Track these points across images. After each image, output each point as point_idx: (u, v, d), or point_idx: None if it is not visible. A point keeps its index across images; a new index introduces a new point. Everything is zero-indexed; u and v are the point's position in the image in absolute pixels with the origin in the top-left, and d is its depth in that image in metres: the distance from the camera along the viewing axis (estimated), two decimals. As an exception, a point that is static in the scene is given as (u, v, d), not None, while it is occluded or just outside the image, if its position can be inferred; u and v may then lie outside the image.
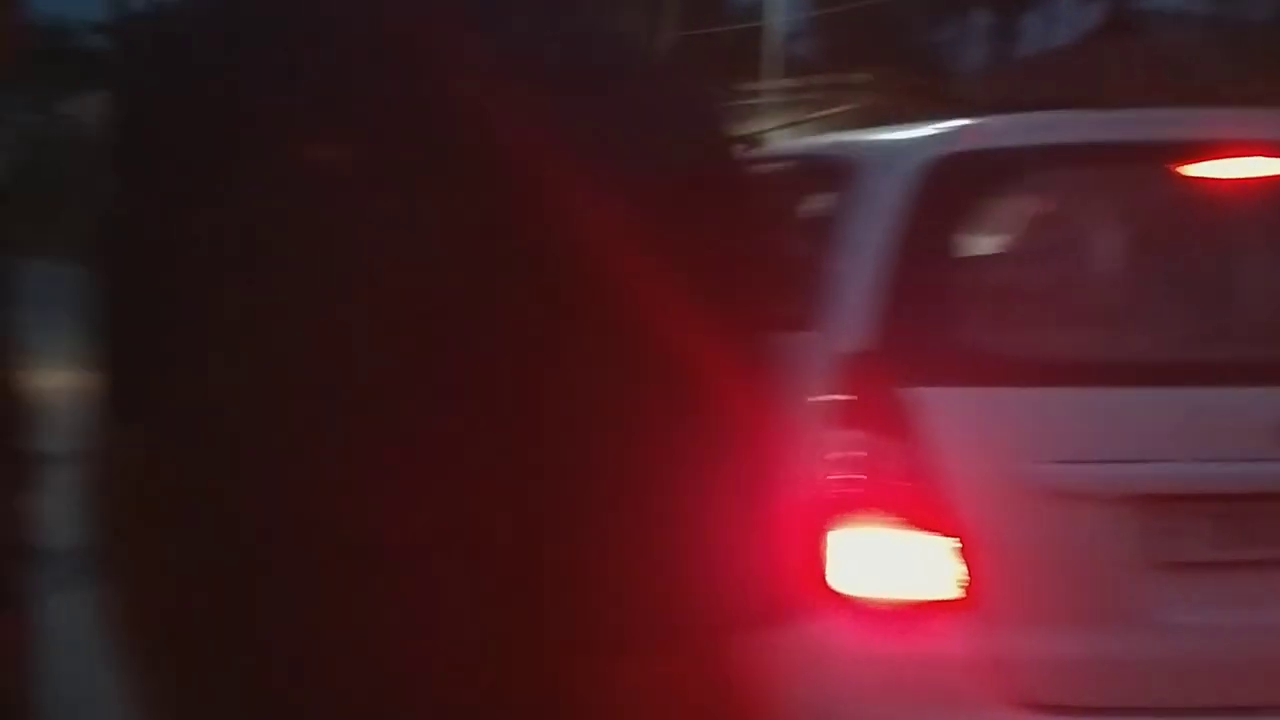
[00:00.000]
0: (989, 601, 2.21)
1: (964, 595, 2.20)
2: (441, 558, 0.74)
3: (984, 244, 2.54)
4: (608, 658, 0.70)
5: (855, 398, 2.22)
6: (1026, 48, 21.28)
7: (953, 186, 2.35)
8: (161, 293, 0.81)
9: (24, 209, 1.92)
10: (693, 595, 0.69)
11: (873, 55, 19.45)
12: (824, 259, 2.41)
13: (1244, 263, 2.67)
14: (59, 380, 2.19)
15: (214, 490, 0.82)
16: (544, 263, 0.70)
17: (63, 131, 19.01)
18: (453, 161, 0.72)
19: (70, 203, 10.47)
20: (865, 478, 2.19)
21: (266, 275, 0.77)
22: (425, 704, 0.75)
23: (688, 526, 0.70)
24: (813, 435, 2.19)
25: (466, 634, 0.74)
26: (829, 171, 2.68)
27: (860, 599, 2.20)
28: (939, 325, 2.29)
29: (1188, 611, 2.26)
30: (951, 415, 2.22)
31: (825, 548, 2.17)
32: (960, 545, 2.19)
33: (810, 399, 2.23)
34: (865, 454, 2.20)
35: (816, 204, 2.72)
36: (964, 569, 2.19)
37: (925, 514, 2.19)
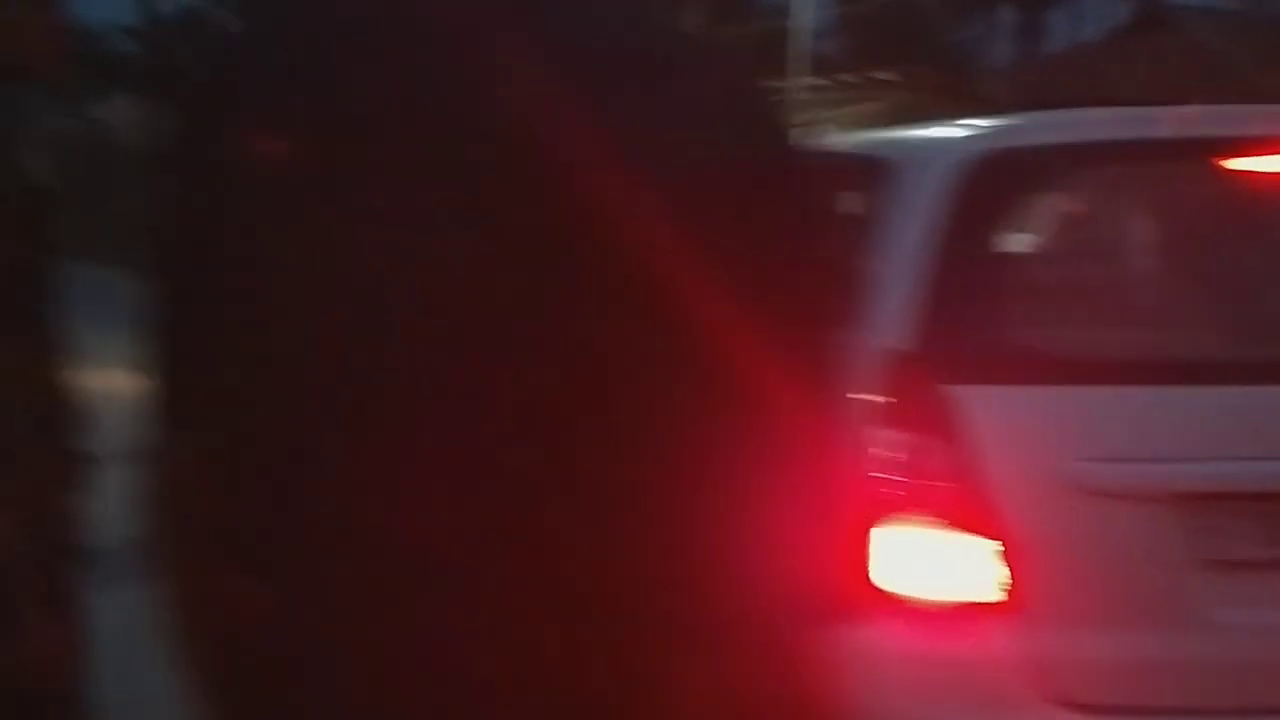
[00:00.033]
0: (1031, 601, 2.20)
1: (1006, 595, 2.19)
2: (505, 560, 0.74)
3: (1024, 242, 2.53)
4: (671, 655, 0.70)
5: (896, 397, 2.21)
6: (1053, 45, 21.17)
7: (993, 184, 2.34)
8: (219, 300, 0.81)
9: (69, 212, 1.94)
10: (754, 594, 0.70)
11: (899, 53, 19.38)
12: (861, 258, 2.40)
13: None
14: (101, 381, 2.21)
15: (276, 495, 0.82)
16: (604, 260, 0.70)
17: (93, 135, 19.11)
18: (512, 162, 0.72)
19: (103, 207, 10.54)
20: (906, 477, 2.19)
21: (328, 282, 0.77)
22: (489, 704, 0.75)
23: (748, 526, 0.71)
24: (854, 435, 2.19)
25: (532, 635, 0.74)
26: (864, 170, 2.67)
27: (902, 598, 2.19)
28: (980, 324, 2.28)
29: (1231, 611, 2.25)
30: (993, 414, 2.21)
31: (868, 547, 2.17)
32: (1002, 545, 2.18)
33: (851, 398, 2.22)
34: (906, 453, 2.19)
35: (851, 203, 2.71)
36: (1006, 569, 2.18)
37: (967, 514, 2.18)
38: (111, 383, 2.13)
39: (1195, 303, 2.59)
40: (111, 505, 2.13)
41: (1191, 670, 2.24)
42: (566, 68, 0.72)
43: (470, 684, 0.76)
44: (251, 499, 0.84)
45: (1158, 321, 2.58)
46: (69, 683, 1.87)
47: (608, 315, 0.71)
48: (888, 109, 15.54)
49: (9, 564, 1.70)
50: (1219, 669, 2.24)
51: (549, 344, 0.72)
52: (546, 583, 0.74)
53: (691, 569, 0.70)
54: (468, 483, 0.75)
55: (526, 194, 0.72)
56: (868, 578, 2.17)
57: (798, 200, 0.75)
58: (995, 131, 2.51)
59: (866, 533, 2.17)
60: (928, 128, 2.86)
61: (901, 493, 2.18)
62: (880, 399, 2.22)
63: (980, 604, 2.21)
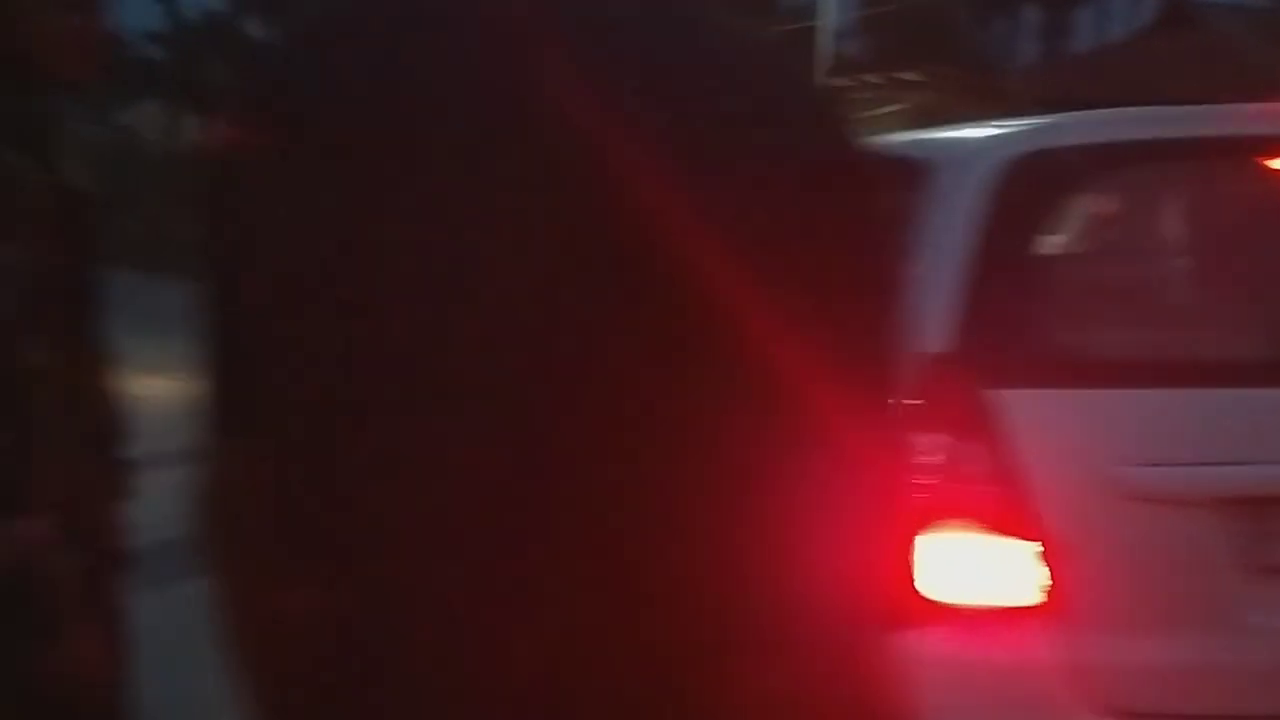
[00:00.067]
0: (1074, 606, 2.18)
1: (1048, 600, 2.17)
2: (572, 561, 0.73)
3: (1064, 243, 2.51)
4: (741, 661, 0.69)
5: (936, 401, 2.20)
6: (1079, 44, 21.07)
7: (1032, 185, 2.33)
8: (269, 305, 0.81)
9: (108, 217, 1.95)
10: (825, 599, 0.69)
11: (923, 53, 19.32)
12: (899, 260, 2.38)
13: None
14: (138, 385, 2.22)
15: (329, 498, 0.81)
16: (672, 260, 0.69)
17: (121, 142, 19.27)
18: (582, 165, 0.71)
19: (131, 212, 10.63)
20: (946, 482, 2.17)
21: (382, 287, 0.76)
22: (555, 708, 0.75)
23: (819, 528, 0.70)
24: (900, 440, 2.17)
25: (592, 635, 0.74)
26: (898, 171, 2.65)
27: (943, 604, 2.18)
28: (1021, 326, 2.26)
29: (1275, 617, 2.22)
30: (1034, 417, 2.19)
31: (910, 552, 2.16)
32: (1044, 550, 2.16)
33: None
34: (946, 457, 2.18)
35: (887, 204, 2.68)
36: (1048, 574, 2.16)
37: (1007, 518, 2.16)
38: (148, 387, 2.14)
39: (1237, 304, 2.56)
40: (151, 509, 2.14)
41: (1237, 676, 2.22)
42: (643, 70, 0.71)
43: (530, 688, 0.75)
44: (304, 502, 0.84)
45: (1199, 323, 2.56)
46: (111, 690, 1.87)
47: (674, 314, 0.70)
48: (913, 110, 15.50)
49: (52, 571, 1.70)
50: (1261, 675, 2.22)
51: (611, 343, 0.71)
52: (608, 583, 0.73)
53: (771, 574, 0.68)
54: (528, 486, 0.74)
55: (596, 195, 0.71)
56: (910, 583, 2.16)
57: (869, 199, 0.73)
58: (1033, 131, 2.49)
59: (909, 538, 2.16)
60: (962, 128, 2.85)
61: (941, 497, 2.16)
62: (919, 402, 2.20)
63: (1020, 609, 2.19)
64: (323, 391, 0.78)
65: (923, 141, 2.96)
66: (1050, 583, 2.17)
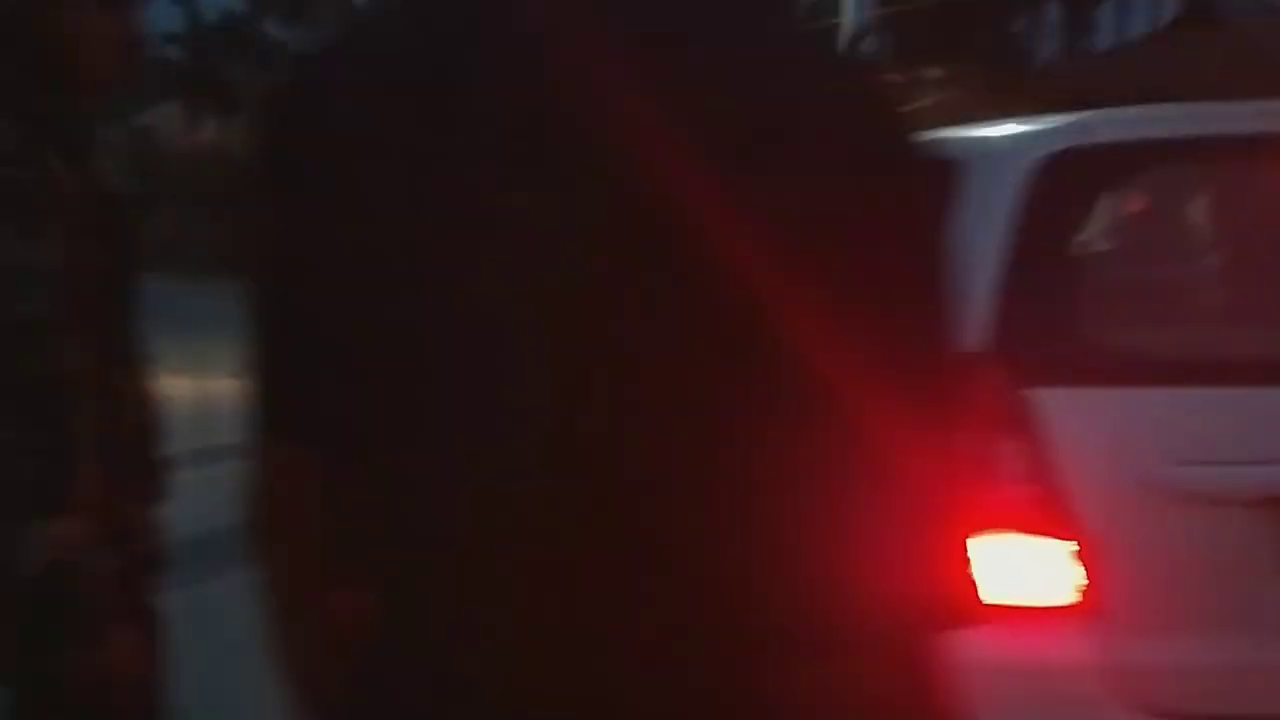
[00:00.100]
0: (1111, 606, 2.16)
1: (1087, 601, 2.15)
2: (643, 561, 0.72)
3: (1100, 241, 2.49)
4: (811, 659, 0.68)
5: (974, 400, 2.18)
6: (1101, 40, 20.95)
7: (1068, 182, 2.30)
8: (319, 311, 0.80)
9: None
10: (892, 598, 0.68)
11: (945, 51, 19.24)
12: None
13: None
14: (169, 386, 2.21)
15: (381, 505, 0.80)
16: (721, 260, 0.68)
17: (141, 142, 19.32)
18: (618, 167, 0.70)
19: (149, 214, 10.68)
20: (985, 481, 2.15)
21: (437, 294, 0.75)
22: (624, 707, 0.74)
23: (887, 529, 0.69)
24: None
25: (653, 637, 0.73)
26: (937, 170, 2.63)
27: (983, 604, 2.16)
28: (1059, 324, 2.24)
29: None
30: (1074, 417, 2.17)
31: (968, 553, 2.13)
32: (1084, 550, 2.14)
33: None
34: (984, 457, 2.16)
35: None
36: (1087, 574, 2.14)
37: (1046, 518, 2.14)
38: (178, 388, 2.14)
39: (1274, 301, 2.53)
40: (182, 508, 2.14)
41: (1272, 676, 2.20)
42: (698, 69, 0.70)
43: (589, 693, 0.74)
44: (355, 509, 0.83)
45: (1236, 320, 2.53)
46: (147, 690, 1.87)
47: (729, 313, 0.69)
48: (934, 107, 15.44)
49: (89, 572, 1.70)
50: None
51: (681, 342, 0.69)
52: (670, 586, 0.72)
53: (843, 573, 0.67)
54: (585, 490, 0.73)
55: (645, 199, 0.70)
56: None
57: (933, 194, 0.72)
58: (1068, 128, 2.47)
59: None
60: (992, 126, 2.82)
61: (979, 496, 2.14)
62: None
63: (1056, 609, 2.17)
64: (375, 402, 0.78)
65: (953, 139, 2.94)
66: (1087, 582, 2.15)
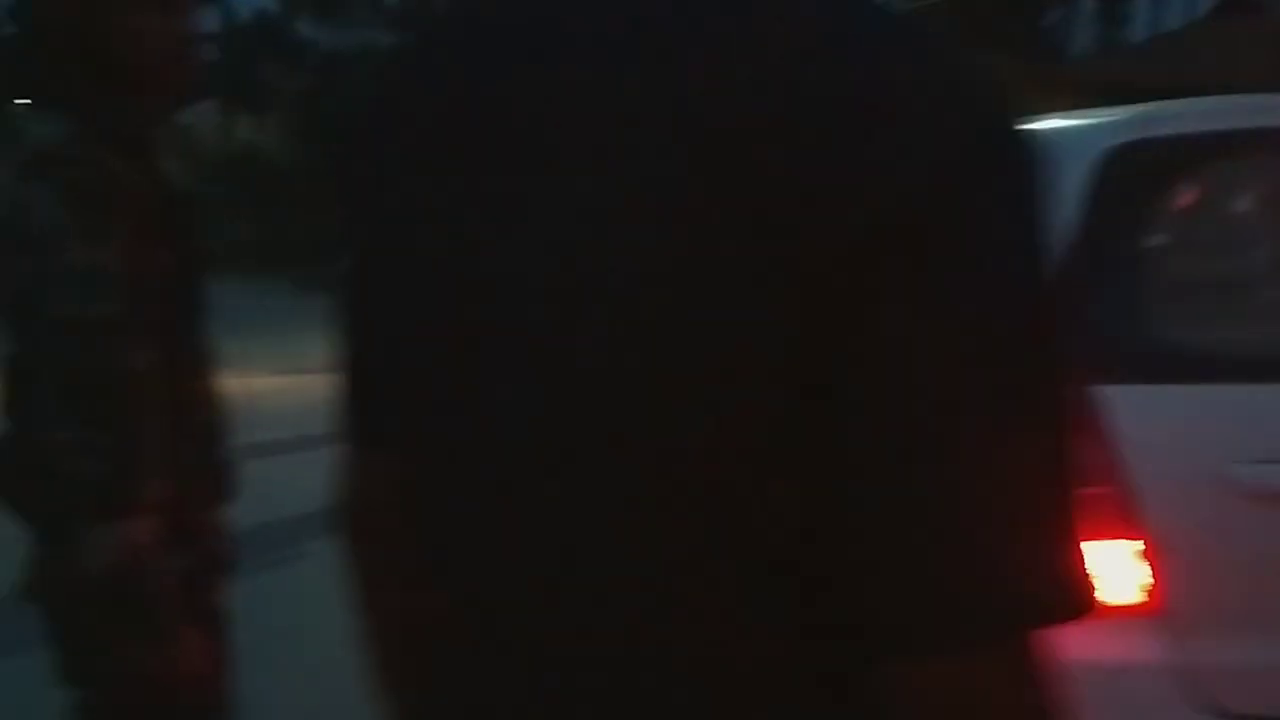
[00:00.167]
0: (1179, 606, 2.13)
1: (1153, 601, 2.12)
2: (738, 556, 0.70)
3: (1170, 235, 2.45)
4: (914, 656, 0.67)
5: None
6: (1136, 32, 20.80)
7: (1135, 176, 2.27)
8: (405, 321, 0.79)
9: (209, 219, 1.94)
10: (1002, 594, 0.66)
11: (978, 43, 19.15)
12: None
13: None
14: (231, 385, 2.21)
15: (459, 511, 0.80)
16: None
17: (186, 142, 19.45)
18: (684, 168, 0.68)
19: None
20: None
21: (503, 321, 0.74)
22: (711, 703, 0.72)
23: (1002, 524, 0.67)
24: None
25: (767, 632, 0.71)
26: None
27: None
28: (1126, 321, 2.21)
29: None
30: (1142, 414, 2.14)
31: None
32: (1151, 549, 2.11)
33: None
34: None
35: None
36: (1154, 573, 2.11)
37: (1116, 517, 2.11)
38: (237, 387, 2.13)
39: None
40: (245, 506, 2.14)
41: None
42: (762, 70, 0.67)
43: (672, 694, 0.72)
44: (426, 517, 0.83)
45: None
46: (212, 690, 1.87)
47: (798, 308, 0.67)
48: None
49: (156, 572, 1.70)
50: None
51: (786, 339, 0.67)
52: (789, 579, 0.70)
53: (952, 567, 0.66)
54: (656, 496, 0.71)
55: (715, 201, 0.67)
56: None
57: (1032, 183, 0.69)
58: (1133, 121, 2.43)
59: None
60: (1052, 119, 2.79)
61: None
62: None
63: (1124, 608, 2.14)
64: (449, 416, 0.77)
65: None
66: (1155, 582, 2.12)
